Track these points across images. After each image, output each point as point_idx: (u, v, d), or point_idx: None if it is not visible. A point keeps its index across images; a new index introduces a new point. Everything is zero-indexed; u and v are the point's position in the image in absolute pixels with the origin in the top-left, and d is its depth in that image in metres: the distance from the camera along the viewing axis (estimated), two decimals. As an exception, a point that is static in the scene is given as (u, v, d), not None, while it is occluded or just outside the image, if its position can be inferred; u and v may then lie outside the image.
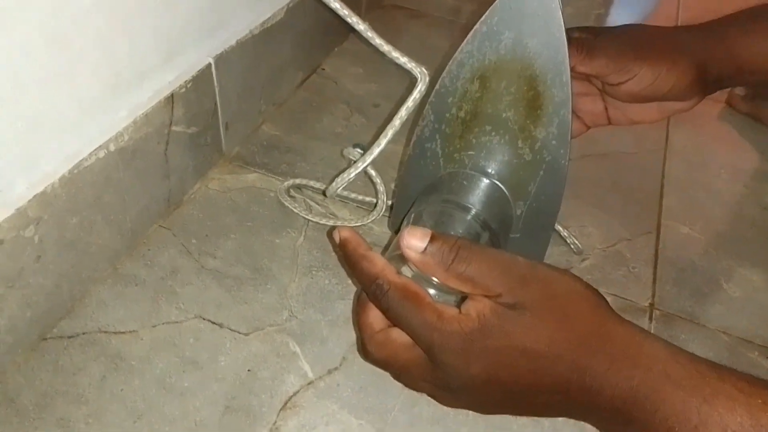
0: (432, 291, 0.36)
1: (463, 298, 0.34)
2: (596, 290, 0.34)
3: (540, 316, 0.31)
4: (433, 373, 0.33)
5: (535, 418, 0.42)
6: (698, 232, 0.61)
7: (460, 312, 0.32)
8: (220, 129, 0.59)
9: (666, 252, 0.58)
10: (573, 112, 0.51)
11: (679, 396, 0.29)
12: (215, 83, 0.55)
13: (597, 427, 0.35)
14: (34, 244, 0.41)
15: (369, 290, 0.34)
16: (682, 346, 0.49)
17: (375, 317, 0.36)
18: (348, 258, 0.36)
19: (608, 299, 0.52)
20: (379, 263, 0.34)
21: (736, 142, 0.75)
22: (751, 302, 0.55)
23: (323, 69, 0.77)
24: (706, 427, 0.28)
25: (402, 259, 0.36)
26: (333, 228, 0.44)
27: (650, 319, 0.52)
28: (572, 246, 0.55)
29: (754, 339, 0.52)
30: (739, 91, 0.79)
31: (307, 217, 0.56)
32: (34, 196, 0.40)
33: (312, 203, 0.58)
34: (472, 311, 0.32)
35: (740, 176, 0.69)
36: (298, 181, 0.59)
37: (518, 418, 0.43)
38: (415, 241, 0.33)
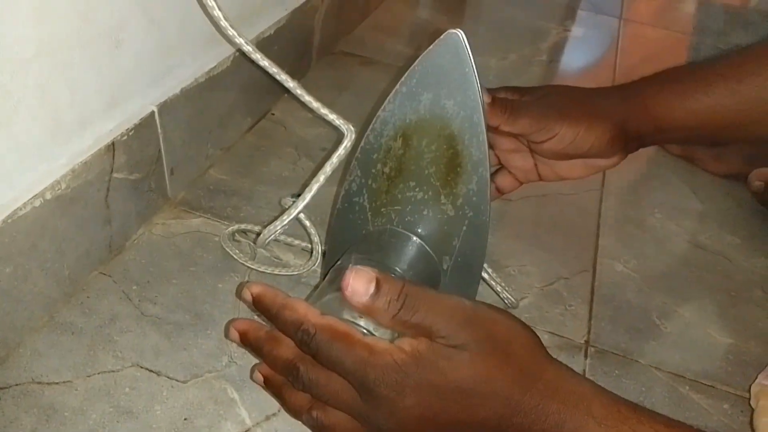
0: (365, 325, 0.36)
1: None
2: (532, 330, 0.35)
3: (479, 356, 0.32)
4: (367, 413, 0.34)
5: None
6: (632, 270, 0.63)
7: (392, 344, 0.33)
8: (164, 174, 0.60)
9: (602, 290, 0.60)
10: (506, 168, 0.53)
11: None
12: (159, 130, 0.56)
13: None
14: (-36, 294, 0.41)
15: (296, 338, 0.34)
16: (616, 382, 0.52)
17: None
18: (267, 312, 0.35)
19: (545, 337, 0.55)
20: (300, 309, 0.34)
21: (669, 182, 0.79)
22: (682, 338, 0.57)
23: (272, 114, 0.78)
24: None
25: (339, 302, 0.36)
26: (241, 284, 0.44)
27: (586, 355, 0.53)
28: (506, 301, 0.56)
29: (685, 374, 0.53)
30: None
31: (246, 264, 0.56)
32: (-36, 247, 0.40)
33: (257, 247, 0.59)
34: (406, 345, 0.32)
35: (673, 215, 0.72)
36: (242, 226, 0.60)
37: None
38: (359, 285, 0.32)
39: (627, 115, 0.48)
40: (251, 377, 0.40)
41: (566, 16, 1.26)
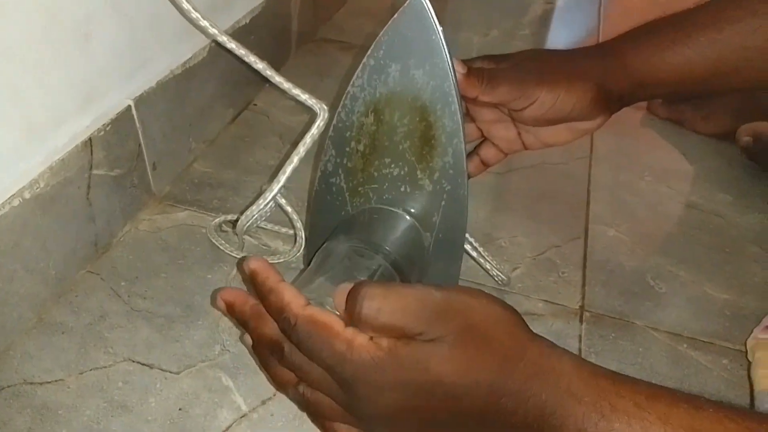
0: None
1: None
2: (512, 308, 0.34)
3: (459, 347, 0.31)
4: (348, 404, 0.33)
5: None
6: (625, 234, 0.63)
7: (371, 339, 0.32)
8: (147, 169, 0.59)
9: (594, 255, 0.60)
10: (489, 139, 0.53)
11: (580, 411, 0.30)
12: (137, 124, 0.56)
13: None
14: (-53, 298, 0.40)
15: (279, 324, 0.33)
16: (613, 344, 0.51)
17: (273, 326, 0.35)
18: (257, 291, 0.35)
19: (540, 305, 0.54)
20: (286, 295, 0.33)
21: (658, 145, 0.78)
22: (678, 297, 0.56)
23: (255, 104, 0.78)
24: None
25: (324, 289, 0.36)
26: (242, 259, 0.43)
27: (581, 320, 0.53)
28: (496, 278, 0.55)
29: (682, 332, 0.53)
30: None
31: (232, 254, 0.56)
32: (-57, 250, 0.39)
33: (245, 236, 0.58)
34: (384, 342, 0.31)
35: (663, 177, 0.72)
36: (228, 217, 0.59)
37: None
38: (338, 300, 0.33)
39: (606, 73, 0.47)
40: (240, 339, 0.39)
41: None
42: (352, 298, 0.32)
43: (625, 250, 0.61)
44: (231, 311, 0.36)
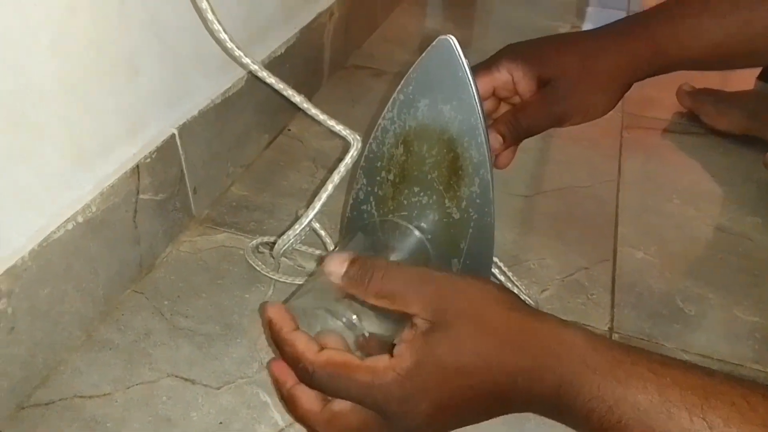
0: (343, 312, 0.37)
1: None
2: (508, 290, 0.36)
3: (461, 329, 0.33)
4: (390, 427, 0.35)
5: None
6: (653, 256, 0.63)
7: (391, 357, 0.34)
8: (188, 194, 0.62)
9: (623, 277, 0.61)
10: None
11: (596, 380, 0.31)
12: (180, 151, 0.59)
13: (539, 414, 0.36)
14: (7, 316, 0.43)
15: (297, 373, 0.35)
16: None
17: (308, 400, 0.36)
18: (273, 341, 0.37)
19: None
20: (299, 345, 0.35)
21: (686, 167, 0.78)
22: (707, 319, 0.57)
23: (289, 130, 0.81)
24: (619, 406, 0.31)
25: (316, 293, 0.39)
26: (263, 304, 0.45)
27: (610, 343, 0.54)
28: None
29: (712, 354, 0.53)
30: (686, 87, 0.84)
31: (269, 275, 0.58)
32: (5, 270, 0.42)
33: (281, 257, 0.61)
34: (404, 352, 0.33)
35: (692, 200, 0.72)
36: (265, 239, 0.62)
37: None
38: (335, 267, 0.36)
39: (636, 61, 0.46)
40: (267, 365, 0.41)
41: (574, 14, 1.27)
42: (363, 268, 0.35)
43: (654, 272, 0.61)
44: (269, 328, 0.38)
